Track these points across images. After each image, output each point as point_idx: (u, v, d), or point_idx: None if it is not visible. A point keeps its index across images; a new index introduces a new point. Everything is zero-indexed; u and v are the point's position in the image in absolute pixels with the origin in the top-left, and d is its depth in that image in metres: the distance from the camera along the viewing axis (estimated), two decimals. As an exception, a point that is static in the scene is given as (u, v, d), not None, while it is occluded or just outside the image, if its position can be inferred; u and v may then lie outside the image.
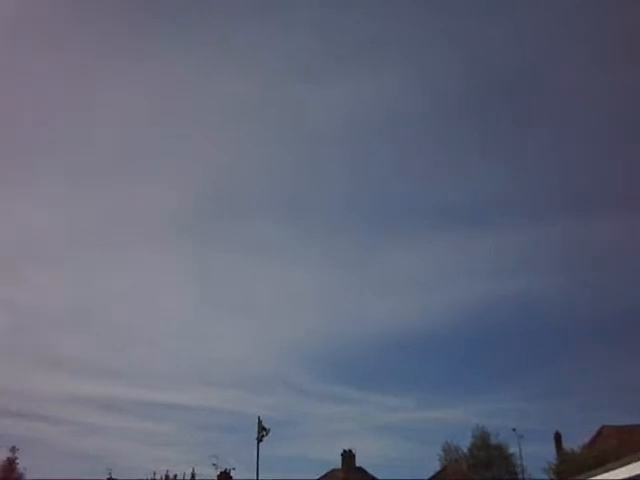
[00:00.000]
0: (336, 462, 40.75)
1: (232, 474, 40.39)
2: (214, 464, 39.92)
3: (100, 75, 60.34)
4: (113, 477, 40.62)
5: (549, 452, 37.55)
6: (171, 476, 40.74)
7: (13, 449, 37.27)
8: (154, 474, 40.38)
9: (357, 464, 40.41)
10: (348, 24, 63.27)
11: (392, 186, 66.50)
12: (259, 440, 35.84)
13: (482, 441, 41.87)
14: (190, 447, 51.92)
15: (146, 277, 65.11)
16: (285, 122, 66.15)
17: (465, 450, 42.41)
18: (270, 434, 36.71)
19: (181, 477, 40.85)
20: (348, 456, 40.18)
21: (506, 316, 61.58)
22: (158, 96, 62.29)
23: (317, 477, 41.30)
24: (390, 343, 62.02)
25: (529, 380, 54.89)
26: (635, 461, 13.53)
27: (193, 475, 41.16)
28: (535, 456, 47.09)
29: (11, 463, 37.18)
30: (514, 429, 37.32)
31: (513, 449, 39.58)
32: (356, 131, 66.85)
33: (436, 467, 41.22)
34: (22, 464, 37.50)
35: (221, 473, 40.09)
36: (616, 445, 29.41)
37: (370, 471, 40.99)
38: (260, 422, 36.50)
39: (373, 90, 62.70)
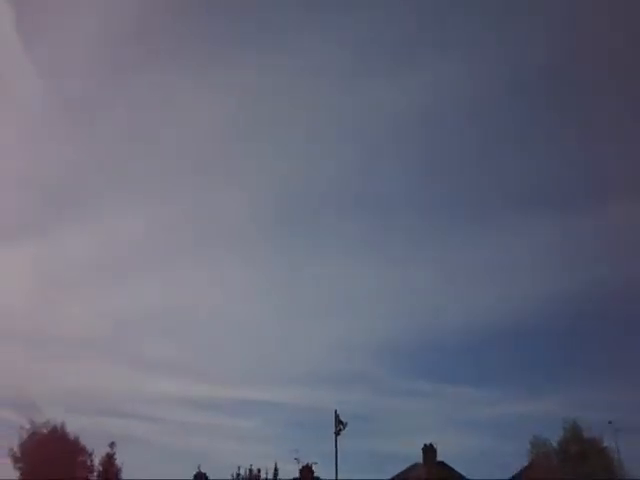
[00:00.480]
0: (417, 457, 40.20)
1: (314, 469, 41.06)
2: (296, 458, 40.90)
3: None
4: (202, 471, 42.57)
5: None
6: (255, 470, 41.88)
7: (112, 445, 40.21)
8: (238, 468, 41.72)
9: (438, 459, 39.64)
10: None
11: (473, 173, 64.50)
12: (337, 434, 36.15)
13: (574, 434, 39.53)
14: (273, 442, 53.16)
15: (229, 279, 67.40)
16: (362, 117, 66.00)
17: (555, 444, 40.25)
18: (351, 429, 36.94)
19: (264, 472, 41.95)
20: (429, 450, 39.49)
21: (602, 303, 57.68)
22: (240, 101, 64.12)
23: (399, 471, 41.02)
24: (474, 335, 60.15)
25: (627, 370, 50.97)
26: None
27: (276, 469, 42.18)
28: (634, 452, 43.73)
29: (110, 458, 39.94)
30: (610, 422, 35.07)
31: (609, 443, 37.12)
32: (433, 120, 65.48)
33: (523, 462, 39.44)
34: (120, 459, 40.30)
35: (303, 467, 40.87)
36: None
37: (453, 466, 40.09)
38: (337, 416, 36.80)
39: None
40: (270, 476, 42.32)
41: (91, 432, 43.20)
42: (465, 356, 62.47)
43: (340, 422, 36.02)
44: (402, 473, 40.92)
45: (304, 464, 40.58)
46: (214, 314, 64.50)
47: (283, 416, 56.72)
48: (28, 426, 38.96)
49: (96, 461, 39.48)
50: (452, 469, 40.10)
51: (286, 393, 57.02)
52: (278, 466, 42.43)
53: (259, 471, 42.24)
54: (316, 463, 40.70)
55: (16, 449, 37.55)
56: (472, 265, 64.41)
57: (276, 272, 65.89)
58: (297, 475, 41.26)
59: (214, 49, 67.41)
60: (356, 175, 69.15)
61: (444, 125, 66.44)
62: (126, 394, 52.84)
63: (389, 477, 41.54)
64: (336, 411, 36.19)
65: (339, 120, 69.84)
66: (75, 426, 40.44)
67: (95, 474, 39.00)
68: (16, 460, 37.18)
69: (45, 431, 39.69)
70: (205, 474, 42.56)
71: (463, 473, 39.93)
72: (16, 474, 36.91)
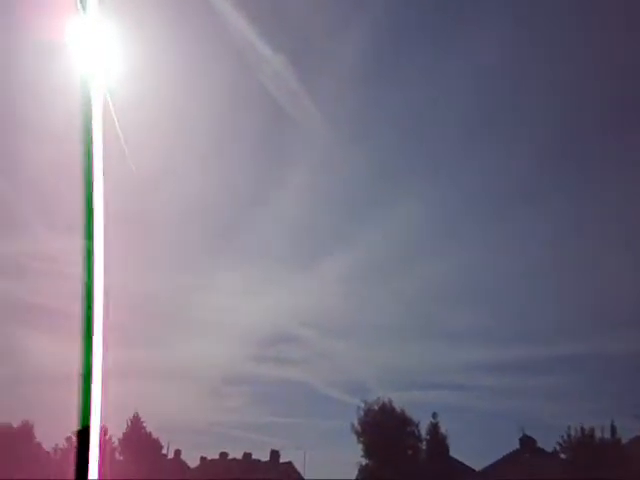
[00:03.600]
0: None
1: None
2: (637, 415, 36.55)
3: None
4: (527, 434, 41.83)
5: None
6: (587, 429, 38.89)
7: (434, 415, 43.37)
8: (568, 428, 39.41)
9: None
10: None
11: None
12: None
13: None
14: (608, 398, 47.64)
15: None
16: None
17: None
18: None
19: (599, 430, 38.58)
20: None
21: None
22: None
23: None
24: None
25: None
26: None
27: (613, 428, 38.32)
28: None
29: (435, 427, 43.11)
30: None
31: None
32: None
33: None
34: (443, 428, 43.07)
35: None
36: None
37: None
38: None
39: None
40: (607, 435, 38.75)
41: (414, 404, 47.13)
42: None
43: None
44: None
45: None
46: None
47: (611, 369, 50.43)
48: (363, 405, 44.96)
49: (423, 431, 43.07)
50: None
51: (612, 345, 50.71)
52: (615, 423, 38.64)
53: (593, 430, 39.12)
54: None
55: (357, 426, 43.78)
56: None
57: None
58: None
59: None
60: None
61: None
62: (434, 366, 55.67)
63: None
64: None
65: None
66: (400, 401, 44.94)
67: (423, 443, 42.58)
68: (359, 435, 43.42)
69: (377, 408, 45.11)
70: (531, 437, 41.69)
71: None
72: (359, 447, 43.20)
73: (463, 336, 57.37)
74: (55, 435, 46.89)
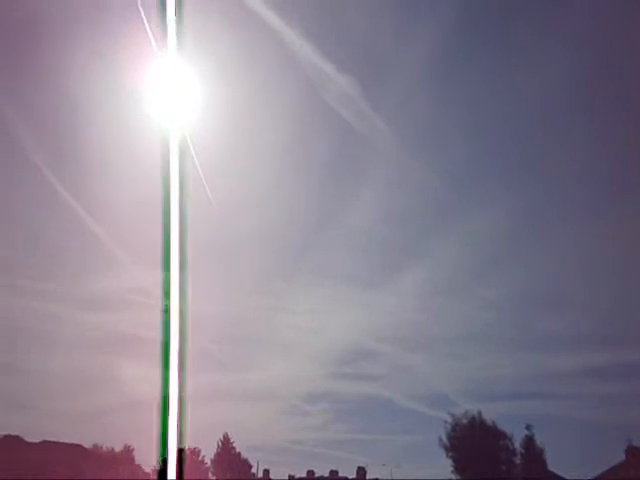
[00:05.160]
0: None
1: None
2: None
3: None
4: (634, 445, 38.77)
5: None
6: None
7: (528, 427, 41.25)
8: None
9: None
10: None
11: None
12: None
13: None
14: None
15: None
16: None
17: None
18: None
19: None
20: None
21: None
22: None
23: None
24: None
25: None
26: None
27: None
28: None
29: (529, 439, 40.97)
30: None
31: None
32: None
33: None
34: (539, 439, 40.79)
35: None
36: None
37: None
38: None
39: None
40: None
41: (504, 416, 45.16)
42: None
43: None
44: None
45: None
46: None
47: None
48: (450, 418, 43.59)
49: (517, 444, 41.02)
50: None
51: None
52: None
53: None
54: None
55: (445, 440, 42.49)
56: None
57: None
58: None
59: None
60: None
61: None
62: (524, 374, 53.10)
63: None
64: None
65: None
66: (489, 413, 43.18)
67: (518, 457, 40.50)
68: (447, 450, 42.10)
69: (465, 421, 43.59)
70: (639, 448, 38.59)
71: None
72: (449, 462, 41.83)
73: (554, 342, 54.71)
74: (153, 457, 48.83)
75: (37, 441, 43.86)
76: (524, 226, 58.35)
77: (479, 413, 43.18)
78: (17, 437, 43.41)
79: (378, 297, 59.66)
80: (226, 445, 49.46)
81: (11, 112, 42.56)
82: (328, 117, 48.15)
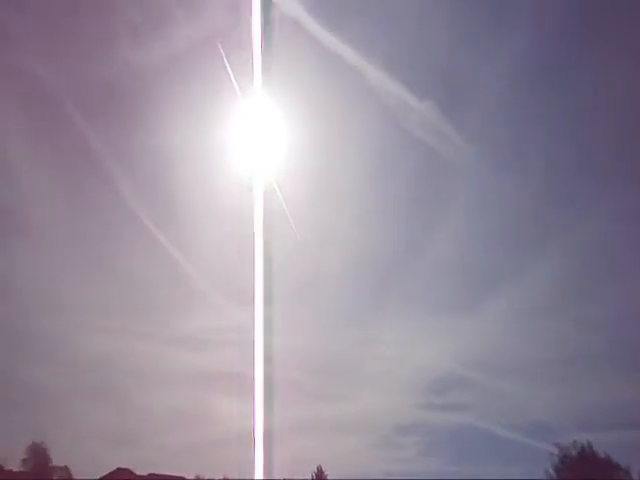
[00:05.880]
0: None
1: None
2: None
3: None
4: None
5: None
6: None
7: None
8: None
9: None
10: None
11: None
12: None
13: None
14: None
15: None
16: None
17: None
18: None
19: None
20: None
21: None
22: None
23: None
24: None
25: None
26: None
27: None
28: None
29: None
30: None
31: None
32: None
33: None
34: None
35: None
36: None
37: None
38: None
39: None
40: None
41: (617, 447, 41.45)
42: None
43: None
44: None
45: None
46: None
47: None
48: (556, 450, 40.78)
49: (635, 476, 37.56)
50: None
51: None
52: None
53: None
54: None
55: (552, 472, 39.74)
56: None
57: None
58: None
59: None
60: None
61: None
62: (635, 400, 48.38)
63: None
64: None
65: None
66: (600, 443, 39.98)
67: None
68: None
69: (575, 453, 40.61)
70: None
71: None
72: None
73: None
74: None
75: (145, 474, 46.16)
76: (629, 235, 54.33)
77: (589, 443, 40.22)
78: (127, 469, 45.89)
79: (465, 323, 57.82)
80: (319, 477, 49.36)
81: (112, 165, 46.56)
82: (411, 145, 48.25)
